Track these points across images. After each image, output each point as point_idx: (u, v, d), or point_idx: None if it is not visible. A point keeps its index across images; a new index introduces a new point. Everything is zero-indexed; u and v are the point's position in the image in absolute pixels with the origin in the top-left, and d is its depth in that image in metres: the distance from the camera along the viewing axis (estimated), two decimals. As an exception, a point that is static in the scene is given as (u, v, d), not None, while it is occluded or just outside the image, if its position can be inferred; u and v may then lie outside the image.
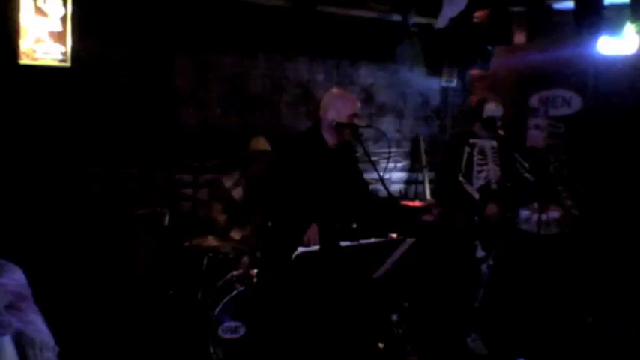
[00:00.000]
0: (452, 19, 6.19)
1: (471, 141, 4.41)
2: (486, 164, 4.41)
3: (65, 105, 4.77)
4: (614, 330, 4.56)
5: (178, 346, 4.02)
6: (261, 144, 4.60)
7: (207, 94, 5.51)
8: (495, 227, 4.39)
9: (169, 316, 4.25)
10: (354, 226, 3.63)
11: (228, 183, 4.57)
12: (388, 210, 3.94)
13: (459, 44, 6.50)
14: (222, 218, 4.48)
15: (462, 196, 4.37)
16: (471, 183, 4.38)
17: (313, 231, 3.22)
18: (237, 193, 4.56)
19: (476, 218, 4.37)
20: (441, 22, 6.14)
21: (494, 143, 4.44)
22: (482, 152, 4.41)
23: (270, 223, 3.70)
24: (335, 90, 3.62)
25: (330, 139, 3.50)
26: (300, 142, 3.55)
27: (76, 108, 4.81)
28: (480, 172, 4.40)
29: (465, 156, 4.39)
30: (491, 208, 4.33)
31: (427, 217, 3.46)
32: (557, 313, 4.73)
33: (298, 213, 3.31)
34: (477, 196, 4.34)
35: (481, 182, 4.40)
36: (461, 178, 4.38)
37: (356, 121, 3.47)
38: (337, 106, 3.44)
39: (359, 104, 3.54)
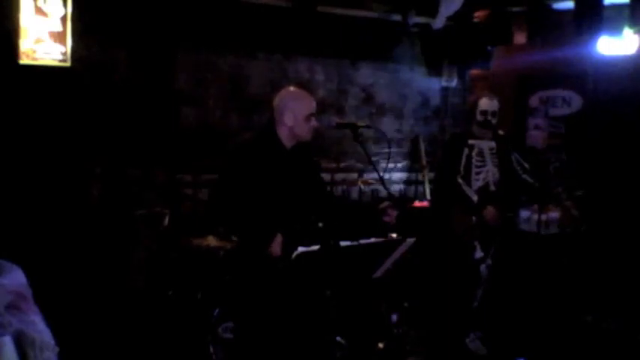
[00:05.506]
0: (451, 19, 6.19)
1: (470, 142, 4.40)
2: (485, 165, 4.40)
3: (65, 105, 4.76)
4: (614, 329, 4.57)
5: (178, 346, 4.02)
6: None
7: (207, 94, 5.51)
8: (494, 229, 4.38)
9: (169, 316, 4.25)
10: (320, 225, 3.50)
11: None
12: (348, 211, 3.84)
13: (459, 44, 6.49)
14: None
15: (461, 198, 4.37)
16: (469, 185, 4.38)
17: (277, 243, 3.09)
18: None
19: (474, 219, 4.37)
20: (438, 22, 6.12)
21: (492, 144, 4.42)
22: (480, 153, 4.40)
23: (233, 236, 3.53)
24: (288, 90, 3.32)
25: (286, 140, 3.26)
26: (254, 145, 3.27)
27: (75, 108, 4.81)
28: (478, 173, 4.39)
29: (464, 157, 4.38)
30: (490, 212, 4.31)
31: (386, 219, 3.36)
32: (556, 313, 4.74)
33: (258, 223, 3.13)
34: (475, 198, 4.34)
35: (480, 184, 4.39)
36: (460, 180, 4.37)
37: (313, 121, 3.23)
38: (293, 108, 3.19)
39: (314, 103, 3.28)
